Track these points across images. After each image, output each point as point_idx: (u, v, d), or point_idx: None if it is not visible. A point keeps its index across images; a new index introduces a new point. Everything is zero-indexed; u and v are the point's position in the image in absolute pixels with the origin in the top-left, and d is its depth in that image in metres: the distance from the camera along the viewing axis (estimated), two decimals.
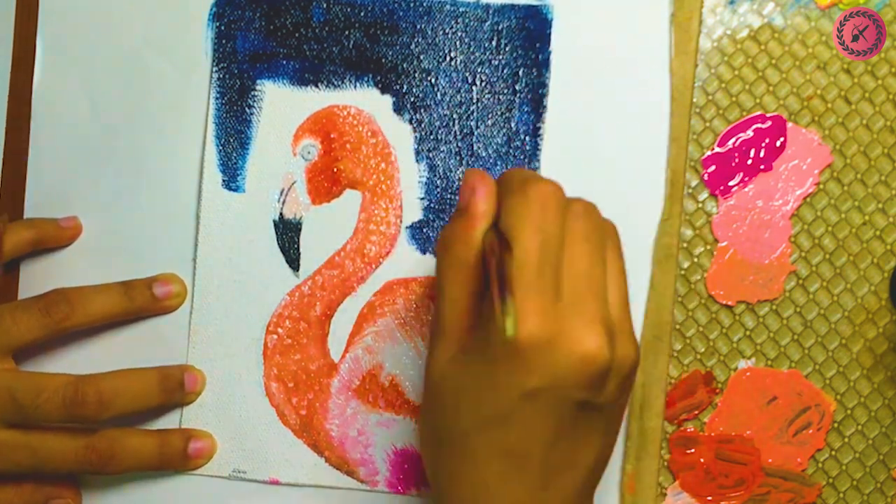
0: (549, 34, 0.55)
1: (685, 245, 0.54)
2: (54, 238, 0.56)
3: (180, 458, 0.55)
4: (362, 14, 0.55)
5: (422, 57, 0.55)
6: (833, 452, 0.54)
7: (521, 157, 0.55)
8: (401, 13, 0.55)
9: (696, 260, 0.54)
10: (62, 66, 0.56)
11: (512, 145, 0.55)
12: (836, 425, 0.54)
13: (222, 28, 0.56)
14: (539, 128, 0.54)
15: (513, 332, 0.40)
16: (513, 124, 0.55)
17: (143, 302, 0.55)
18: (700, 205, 0.54)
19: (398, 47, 0.55)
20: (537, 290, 0.41)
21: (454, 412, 0.43)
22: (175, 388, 0.55)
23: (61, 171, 0.56)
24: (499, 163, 0.55)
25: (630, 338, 0.43)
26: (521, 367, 0.40)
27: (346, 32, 0.55)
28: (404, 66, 0.55)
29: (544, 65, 0.55)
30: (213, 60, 0.56)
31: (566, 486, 0.44)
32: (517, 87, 0.55)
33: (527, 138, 0.55)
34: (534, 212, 0.42)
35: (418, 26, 0.55)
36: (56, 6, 0.56)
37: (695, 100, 0.54)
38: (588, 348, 0.40)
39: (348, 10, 0.55)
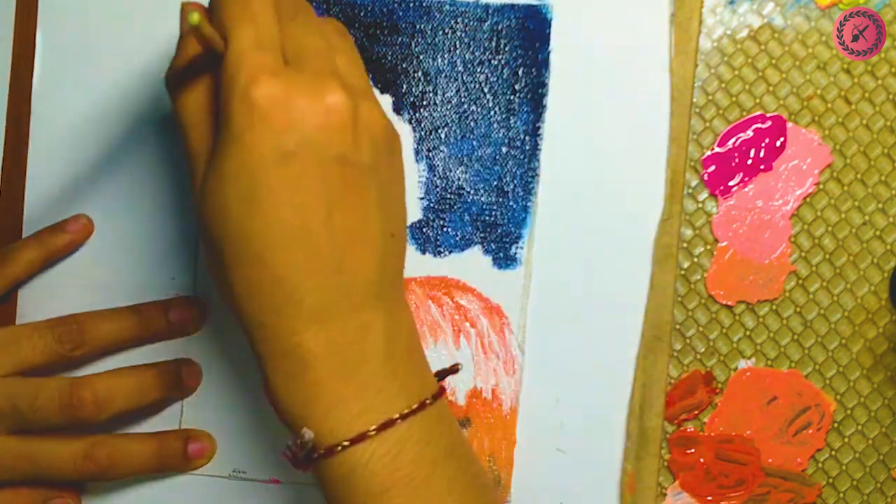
0: (549, 34, 0.54)
1: (685, 245, 0.54)
2: (63, 249, 0.56)
3: (180, 460, 0.55)
4: (362, 14, 0.55)
5: (421, 57, 0.55)
6: (833, 452, 0.54)
7: (521, 156, 0.55)
8: (400, 13, 0.55)
9: (696, 260, 0.54)
10: (62, 66, 0.56)
11: (511, 145, 0.55)
12: (836, 425, 0.54)
13: None
14: (539, 127, 0.54)
15: (196, 20, 0.39)
16: (512, 124, 0.55)
17: (157, 328, 0.55)
18: (700, 205, 0.54)
19: (398, 47, 0.55)
20: (261, 55, 0.41)
21: (225, 219, 0.42)
22: (173, 383, 0.55)
23: (61, 171, 0.56)
24: (498, 162, 0.55)
25: (374, 103, 0.43)
26: (266, 129, 0.40)
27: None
28: (404, 65, 0.55)
29: (544, 64, 0.55)
30: None
31: (361, 267, 0.43)
32: (517, 87, 0.55)
33: (526, 138, 0.55)
34: (239, 2, 0.42)
35: (418, 26, 0.55)
36: (56, 6, 0.56)
37: (695, 100, 0.54)
38: (327, 98, 0.41)
39: (348, 10, 0.55)
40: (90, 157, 0.56)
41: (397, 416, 0.43)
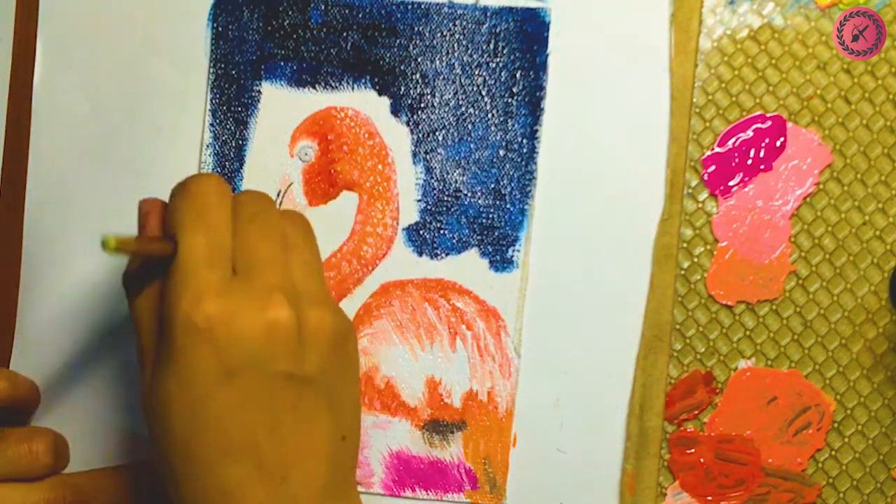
0: (547, 37, 0.54)
1: (685, 245, 0.54)
2: (30, 401, 0.56)
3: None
4: (360, 16, 0.55)
5: (419, 59, 0.55)
6: (833, 452, 0.54)
7: (518, 159, 0.55)
8: (399, 15, 0.55)
9: (696, 260, 0.54)
10: (62, 66, 0.57)
11: (509, 148, 0.55)
12: (836, 425, 0.54)
13: (220, 29, 0.56)
14: (536, 130, 0.54)
15: (112, 246, 0.39)
16: (510, 127, 0.55)
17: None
18: (700, 205, 0.54)
19: (396, 49, 0.55)
20: (207, 272, 0.41)
21: (170, 430, 0.42)
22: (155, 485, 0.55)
23: (61, 171, 0.56)
24: (496, 165, 0.55)
25: (323, 306, 0.43)
26: (208, 349, 0.40)
27: (344, 34, 0.55)
28: (402, 68, 0.55)
29: (542, 67, 0.54)
30: (211, 61, 0.56)
31: (309, 476, 0.43)
32: (515, 90, 0.55)
33: (524, 141, 0.55)
34: (195, 207, 0.42)
35: (416, 28, 0.55)
36: (56, 6, 0.56)
37: (695, 100, 0.54)
38: (270, 313, 0.41)
39: (346, 11, 0.55)
40: (90, 157, 0.56)
41: None
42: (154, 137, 0.56)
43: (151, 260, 0.43)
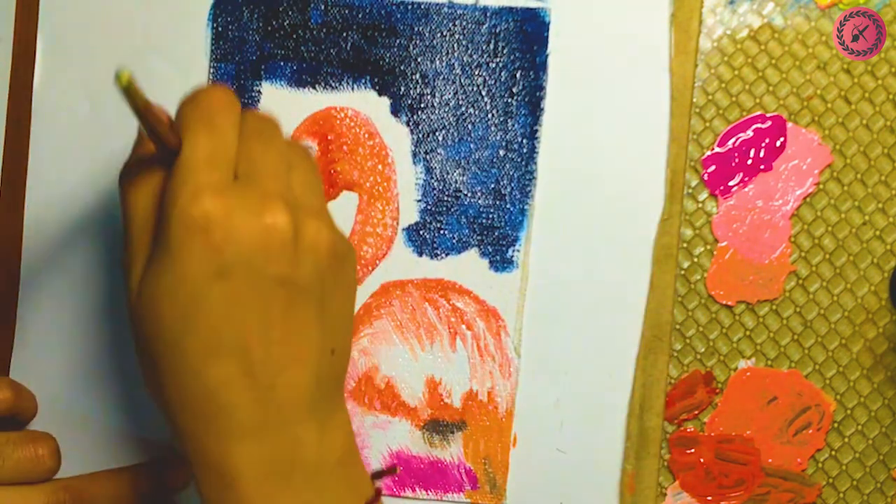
0: (547, 37, 0.54)
1: (685, 245, 0.54)
2: (31, 410, 0.56)
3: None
4: (360, 16, 0.55)
5: (419, 59, 0.55)
6: (833, 452, 0.54)
7: (518, 159, 0.54)
8: (398, 15, 0.55)
9: (696, 260, 0.54)
10: (62, 66, 0.56)
11: (509, 148, 0.55)
12: (836, 425, 0.54)
13: (220, 29, 0.55)
14: (536, 130, 0.54)
15: (125, 81, 0.38)
16: (510, 127, 0.55)
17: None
18: (700, 205, 0.54)
19: (396, 49, 0.55)
20: (208, 171, 0.41)
21: (159, 330, 0.42)
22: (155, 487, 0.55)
23: (61, 171, 0.56)
24: (496, 165, 0.55)
25: (322, 220, 0.43)
26: (204, 245, 0.40)
27: (344, 34, 0.55)
28: (402, 68, 0.55)
29: (542, 67, 0.54)
30: (211, 61, 0.56)
31: (295, 385, 0.43)
32: (514, 90, 0.55)
33: (524, 141, 0.55)
34: (203, 111, 0.42)
35: (416, 28, 0.55)
36: (56, 6, 0.56)
37: (695, 100, 0.54)
38: (268, 217, 0.41)
39: (346, 11, 0.55)
40: (90, 157, 0.56)
41: None
42: None
43: (152, 157, 0.43)
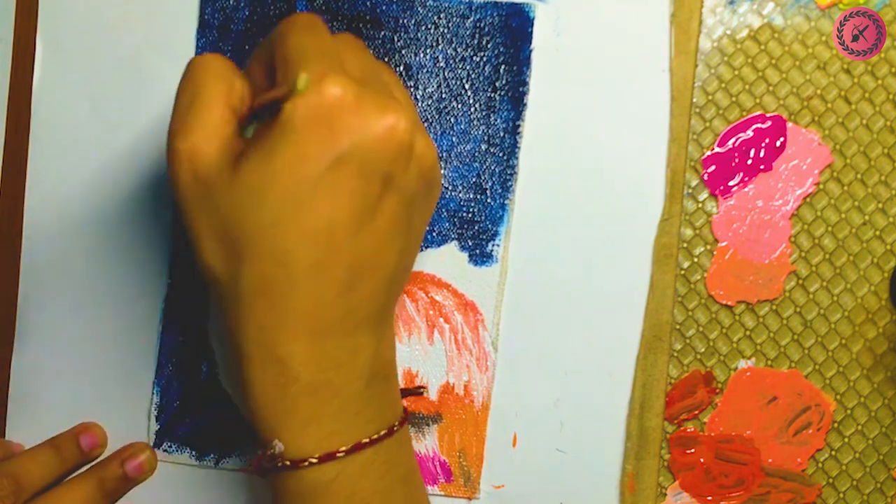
0: (531, 32, 0.54)
1: (685, 245, 0.54)
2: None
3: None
4: (345, 7, 0.55)
5: (403, 52, 0.55)
6: (833, 452, 0.54)
7: (500, 153, 0.54)
8: (383, 7, 0.55)
9: (696, 260, 0.54)
10: (62, 66, 0.56)
11: (491, 142, 0.54)
12: (836, 425, 0.54)
13: (206, 18, 0.55)
14: (518, 126, 0.54)
15: (305, 84, 0.40)
16: (492, 121, 0.55)
17: (73, 459, 0.55)
18: (700, 205, 0.54)
19: (380, 41, 0.55)
20: (331, 64, 0.41)
21: (260, 209, 0.41)
22: (118, 487, 0.55)
23: (61, 171, 0.56)
24: (477, 159, 0.55)
25: (427, 139, 0.44)
26: (328, 131, 0.40)
27: (330, 25, 0.55)
28: (385, 60, 0.55)
29: (525, 63, 0.54)
30: (196, 50, 0.55)
31: (369, 289, 0.43)
32: (498, 85, 0.55)
33: (506, 136, 0.54)
34: (302, 26, 0.43)
35: (401, 21, 0.55)
36: (56, 6, 0.56)
37: (695, 100, 0.54)
38: (391, 116, 0.41)
39: (331, 2, 0.55)
40: (90, 157, 0.56)
41: (367, 440, 0.43)
42: (154, 137, 0.56)
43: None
